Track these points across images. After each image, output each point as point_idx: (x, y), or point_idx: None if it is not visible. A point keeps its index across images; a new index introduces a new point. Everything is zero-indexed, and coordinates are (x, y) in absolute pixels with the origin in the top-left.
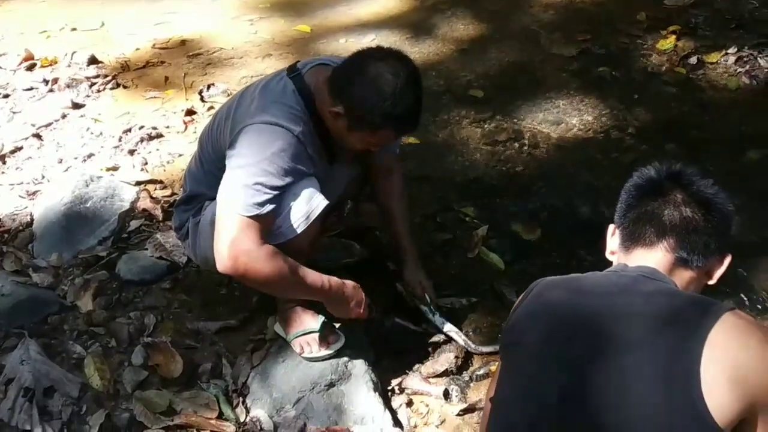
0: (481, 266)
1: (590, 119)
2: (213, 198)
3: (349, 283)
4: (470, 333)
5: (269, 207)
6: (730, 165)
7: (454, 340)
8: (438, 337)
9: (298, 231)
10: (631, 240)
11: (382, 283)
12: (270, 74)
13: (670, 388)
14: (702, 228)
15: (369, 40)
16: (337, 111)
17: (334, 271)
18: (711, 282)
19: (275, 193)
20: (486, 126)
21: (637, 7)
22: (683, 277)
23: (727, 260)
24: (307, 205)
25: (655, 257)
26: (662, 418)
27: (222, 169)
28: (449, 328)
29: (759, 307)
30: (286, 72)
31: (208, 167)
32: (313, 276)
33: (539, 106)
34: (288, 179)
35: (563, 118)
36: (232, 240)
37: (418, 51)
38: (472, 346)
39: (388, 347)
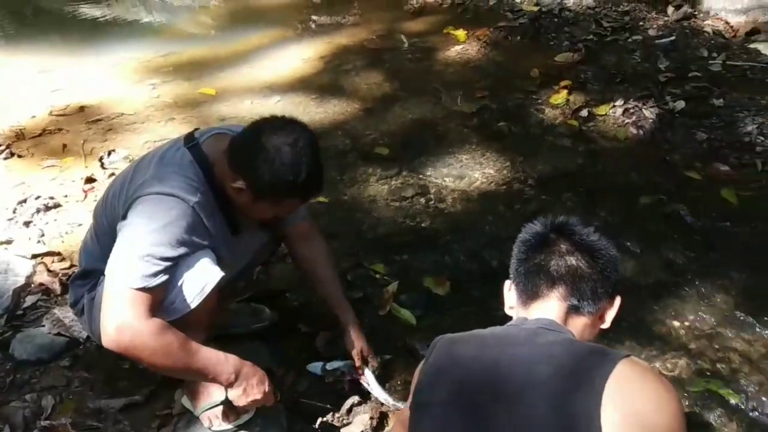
0: (393, 323)
1: (492, 172)
2: None
3: (249, 364)
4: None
5: (160, 279)
6: (624, 211)
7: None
8: (353, 399)
9: (192, 306)
10: (525, 294)
11: (295, 346)
12: (166, 144)
13: None
14: (588, 274)
15: (274, 101)
16: (238, 186)
17: (245, 338)
18: (604, 325)
19: (167, 264)
20: (393, 182)
21: (531, 64)
22: (578, 325)
23: (617, 302)
24: (202, 278)
25: (550, 308)
26: None
27: (113, 242)
28: (385, 397)
29: (654, 350)
30: (182, 142)
31: (104, 241)
32: (207, 354)
33: (443, 162)
34: (182, 250)
35: (466, 172)
36: (117, 313)
37: (323, 111)
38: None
39: (302, 411)
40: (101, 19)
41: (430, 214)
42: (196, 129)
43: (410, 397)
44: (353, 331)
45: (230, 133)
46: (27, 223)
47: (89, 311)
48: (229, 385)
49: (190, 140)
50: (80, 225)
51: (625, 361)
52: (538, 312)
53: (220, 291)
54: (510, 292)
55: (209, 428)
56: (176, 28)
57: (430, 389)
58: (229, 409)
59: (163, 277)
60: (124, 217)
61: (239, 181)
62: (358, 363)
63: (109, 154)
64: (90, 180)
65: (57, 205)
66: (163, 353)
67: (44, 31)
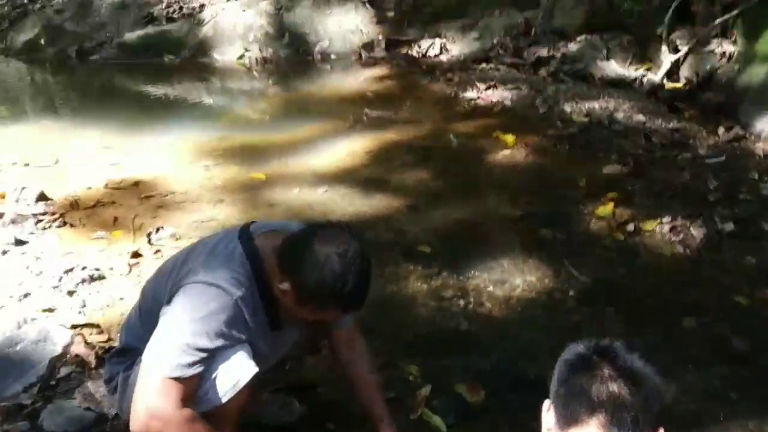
0: (423, 428)
1: (533, 280)
2: None
3: None
4: None
5: (195, 369)
6: (665, 332)
7: None
8: None
9: (224, 400)
10: (564, 418)
11: None
12: (222, 232)
13: None
14: (630, 403)
15: (321, 191)
16: (284, 288)
17: (272, 430)
18: None
19: (204, 355)
20: (433, 282)
21: (578, 174)
22: None
23: None
24: (236, 373)
25: None
26: None
27: (156, 322)
28: None
29: None
30: (237, 234)
31: (146, 321)
32: None
33: (484, 265)
34: (219, 342)
35: (507, 277)
36: (150, 400)
37: (368, 204)
38: None
39: None
40: (164, 100)
41: (469, 317)
42: (252, 222)
43: None
44: None
45: (285, 231)
46: (71, 293)
47: (122, 390)
48: None
49: (245, 233)
50: (121, 299)
51: None
52: None
53: (252, 386)
54: (548, 414)
55: None
56: (233, 112)
57: None
58: None
59: (199, 368)
60: (169, 302)
61: (285, 283)
62: None
63: (158, 231)
64: (136, 255)
65: (101, 277)
66: None
67: (111, 108)
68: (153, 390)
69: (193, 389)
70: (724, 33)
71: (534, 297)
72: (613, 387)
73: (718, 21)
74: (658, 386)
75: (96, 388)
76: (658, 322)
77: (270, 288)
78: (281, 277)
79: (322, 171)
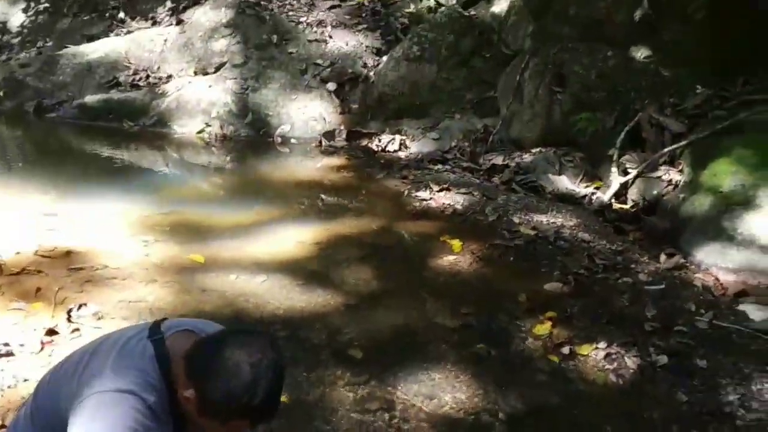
0: None
1: (463, 398)
2: None
3: None
4: None
5: None
6: None
7: None
8: None
9: None
10: None
11: None
12: (130, 329)
13: None
14: None
15: (260, 280)
16: (188, 396)
17: None
18: None
19: None
20: (360, 391)
21: (519, 288)
22: None
23: None
24: None
25: None
26: None
27: (53, 428)
28: None
29: None
30: (147, 332)
31: (40, 424)
32: None
33: (415, 377)
34: None
35: (437, 392)
36: None
37: (306, 300)
38: None
39: None
40: (117, 166)
41: None
42: (164, 319)
43: None
44: None
45: (197, 331)
46: None
47: None
48: None
49: (155, 332)
50: (26, 380)
51: None
52: None
53: None
54: None
55: None
56: (186, 186)
57: None
58: None
59: None
60: (76, 413)
61: (190, 390)
62: None
63: (80, 307)
64: (52, 332)
65: (9, 354)
66: None
67: (61, 169)
68: None
69: None
70: (672, 161)
71: (461, 417)
72: None
73: (667, 149)
74: None
75: None
76: None
77: (177, 393)
78: (186, 383)
79: (265, 259)
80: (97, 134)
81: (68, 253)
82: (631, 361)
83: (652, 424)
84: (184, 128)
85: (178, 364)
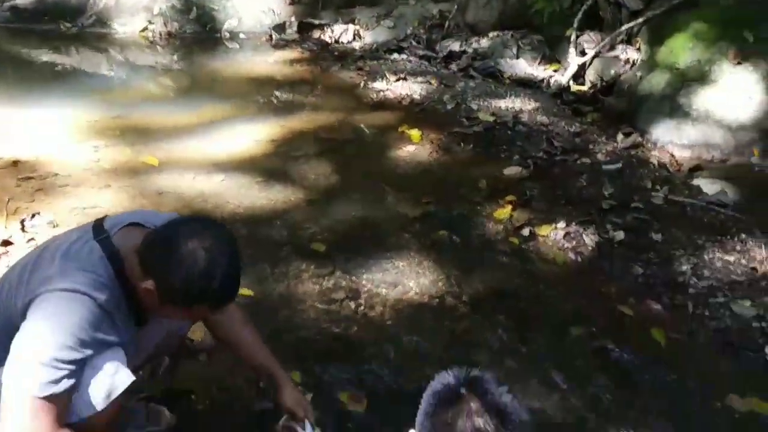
0: None
1: (427, 283)
2: None
3: None
4: None
5: (66, 384)
6: (553, 341)
7: None
8: None
9: (97, 409)
10: None
11: None
12: (73, 233)
13: None
14: None
15: (218, 180)
16: (147, 287)
17: None
18: None
19: (73, 368)
20: (324, 282)
21: (479, 174)
22: None
23: None
24: (109, 381)
25: None
26: None
27: (9, 338)
28: None
29: None
30: (91, 233)
31: None
32: None
33: (379, 266)
34: (88, 351)
35: (401, 279)
36: (22, 426)
37: (266, 197)
38: None
39: None
40: (57, 70)
41: (358, 321)
42: (105, 216)
43: None
44: (286, 386)
45: (145, 225)
46: None
47: None
48: None
49: (100, 232)
50: None
51: None
52: None
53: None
54: None
55: None
56: (132, 88)
57: None
58: None
59: (69, 382)
60: (24, 315)
61: (149, 282)
62: (301, 414)
63: (33, 216)
64: (6, 243)
65: None
66: None
67: None
68: (24, 415)
69: (66, 404)
70: (629, 40)
71: (426, 301)
72: (479, 422)
73: (624, 27)
74: (525, 424)
75: None
76: (546, 331)
77: (133, 287)
78: (144, 276)
79: (222, 158)
80: (33, 38)
81: (15, 163)
82: (589, 239)
83: (609, 298)
84: (126, 27)
85: (131, 259)
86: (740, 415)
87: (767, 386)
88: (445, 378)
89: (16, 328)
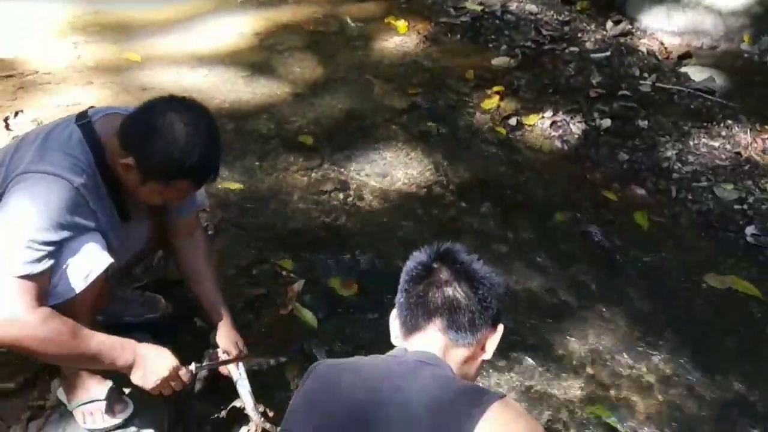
0: (294, 324)
1: (415, 173)
2: None
3: (152, 348)
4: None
5: (45, 264)
6: (538, 226)
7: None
8: (239, 404)
9: (77, 291)
10: (406, 326)
11: (189, 341)
12: (57, 120)
13: None
14: (465, 306)
15: (202, 75)
16: (127, 163)
17: (136, 328)
18: (486, 356)
19: (50, 248)
20: (313, 174)
21: (467, 65)
22: (458, 356)
23: (499, 331)
24: (87, 264)
25: (429, 341)
26: None
27: None
28: (249, 405)
29: (550, 371)
30: (74, 119)
31: None
32: (100, 339)
33: (367, 157)
34: (65, 234)
35: (389, 170)
36: (2, 305)
37: (251, 91)
38: (261, 424)
39: (185, 416)
40: None
41: (347, 211)
42: (90, 107)
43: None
44: (224, 327)
45: (125, 113)
46: None
47: None
48: (129, 369)
49: (82, 118)
50: None
51: (498, 405)
52: (418, 344)
53: (109, 277)
54: (394, 322)
55: (83, 425)
56: None
57: (298, 421)
58: (107, 406)
59: (48, 263)
60: (2, 197)
61: (129, 158)
62: (222, 357)
63: (16, 114)
64: None
65: None
66: (54, 343)
67: None
68: (3, 294)
69: (46, 285)
70: None
71: (414, 191)
72: (449, 291)
73: None
74: (496, 286)
75: None
76: (531, 217)
77: (114, 173)
78: (124, 153)
79: (205, 52)
80: None
81: None
82: (575, 127)
83: (594, 184)
84: None
85: (111, 141)
86: (719, 292)
87: (746, 265)
88: (418, 256)
89: None
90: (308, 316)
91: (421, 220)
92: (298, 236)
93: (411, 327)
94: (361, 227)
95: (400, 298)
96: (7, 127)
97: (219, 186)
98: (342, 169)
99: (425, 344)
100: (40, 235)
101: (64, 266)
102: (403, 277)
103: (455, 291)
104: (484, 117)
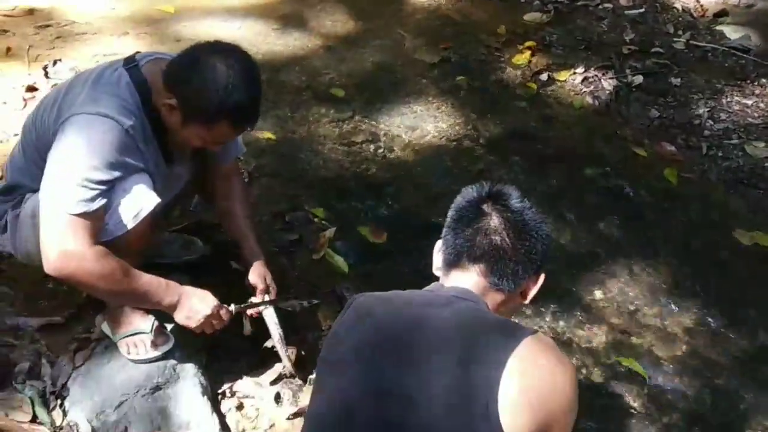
0: (326, 268)
1: (445, 127)
2: (35, 190)
3: (194, 290)
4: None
5: (99, 203)
6: (568, 180)
7: (279, 355)
8: (270, 344)
9: (128, 228)
10: (448, 263)
11: (225, 282)
12: (105, 63)
13: (467, 413)
14: (510, 256)
15: (235, 27)
16: (170, 103)
17: (175, 269)
18: (525, 302)
19: (104, 188)
20: (344, 126)
21: (499, 20)
22: (495, 299)
23: (540, 281)
24: (138, 202)
25: (469, 280)
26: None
27: (45, 159)
28: (279, 342)
29: (575, 320)
30: (122, 63)
31: (31, 157)
32: (148, 279)
33: (398, 110)
34: (116, 173)
35: (419, 123)
36: (60, 240)
37: (283, 44)
38: (288, 366)
39: (222, 350)
40: None
41: (378, 162)
42: (137, 52)
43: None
44: (258, 266)
45: (170, 58)
46: None
47: (13, 228)
48: (173, 309)
49: (130, 62)
50: (16, 135)
51: (531, 339)
52: (456, 281)
53: (152, 218)
54: (438, 254)
55: (126, 356)
56: None
57: (339, 346)
58: (150, 339)
59: (101, 201)
60: (56, 137)
61: (173, 99)
62: (258, 298)
63: (55, 63)
64: (32, 89)
65: None
66: (106, 280)
67: None
68: (61, 230)
69: (100, 223)
70: None
71: (444, 144)
72: (497, 240)
73: None
74: (543, 237)
75: None
76: (561, 171)
77: (159, 117)
78: (168, 94)
79: (237, 5)
80: None
81: (31, 11)
82: (607, 84)
83: (624, 140)
84: None
85: (157, 84)
86: (745, 248)
87: None
88: (469, 192)
89: (47, 146)
90: (339, 261)
91: (451, 172)
92: (330, 185)
93: (453, 264)
94: (391, 178)
95: (446, 234)
96: (46, 75)
97: (253, 135)
98: (372, 122)
99: (464, 282)
100: (94, 174)
101: (115, 205)
102: (452, 213)
103: (503, 241)
104: (514, 72)
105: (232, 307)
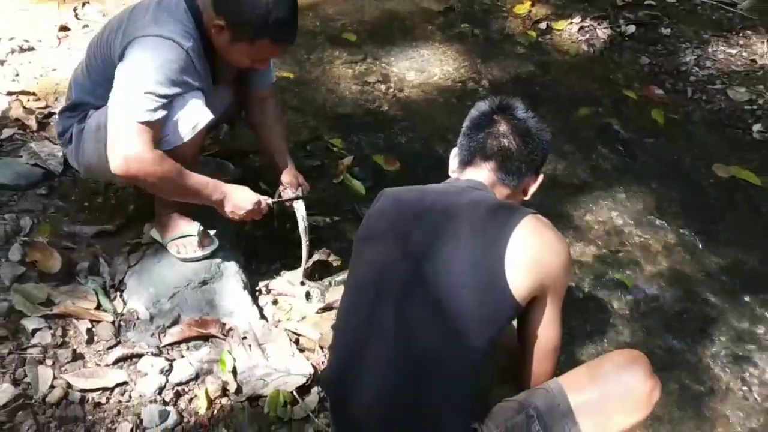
0: (345, 191)
1: (450, 70)
2: (98, 107)
3: (236, 186)
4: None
5: (160, 114)
6: (563, 119)
7: (301, 250)
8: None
9: (185, 139)
10: (463, 162)
11: None
12: None
13: (482, 271)
14: (515, 156)
15: None
16: (220, 24)
17: None
18: (526, 197)
19: (165, 101)
20: (357, 68)
21: None
22: (502, 192)
23: (539, 180)
24: (195, 116)
25: (481, 175)
26: (476, 295)
27: (110, 80)
28: (304, 232)
29: (567, 239)
30: None
31: (96, 77)
32: (199, 179)
33: (406, 54)
34: (177, 89)
35: (427, 66)
36: (126, 144)
37: None
38: (305, 255)
39: (257, 253)
40: None
41: (389, 100)
42: None
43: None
44: (290, 169)
45: None
46: (1, 62)
47: (78, 142)
48: (220, 203)
49: None
50: (54, 70)
51: (531, 216)
52: (471, 175)
53: (205, 132)
54: (453, 159)
55: (176, 255)
56: None
57: (373, 226)
58: (196, 241)
59: (163, 113)
60: (122, 55)
61: (220, 19)
62: (284, 188)
63: (83, 5)
64: (64, 28)
65: (31, 48)
66: (164, 179)
67: None
68: (127, 135)
69: (159, 132)
70: None
71: (449, 85)
72: (504, 142)
73: None
74: (544, 141)
75: (40, 148)
76: (556, 111)
77: (210, 40)
78: (216, 16)
79: None
80: None
81: None
82: (602, 33)
83: (616, 84)
84: None
85: (207, 7)
86: (724, 180)
87: (750, 157)
88: (481, 106)
89: (112, 64)
90: (357, 185)
91: (456, 110)
92: (347, 119)
93: (467, 163)
94: (402, 114)
95: (461, 140)
96: (76, 17)
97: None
98: (384, 64)
99: (476, 176)
100: (158, 88)
101: (174, 118)
102: (466, 123)
103: (510, 143)
104: (516, 21)
105: (270, 200)
